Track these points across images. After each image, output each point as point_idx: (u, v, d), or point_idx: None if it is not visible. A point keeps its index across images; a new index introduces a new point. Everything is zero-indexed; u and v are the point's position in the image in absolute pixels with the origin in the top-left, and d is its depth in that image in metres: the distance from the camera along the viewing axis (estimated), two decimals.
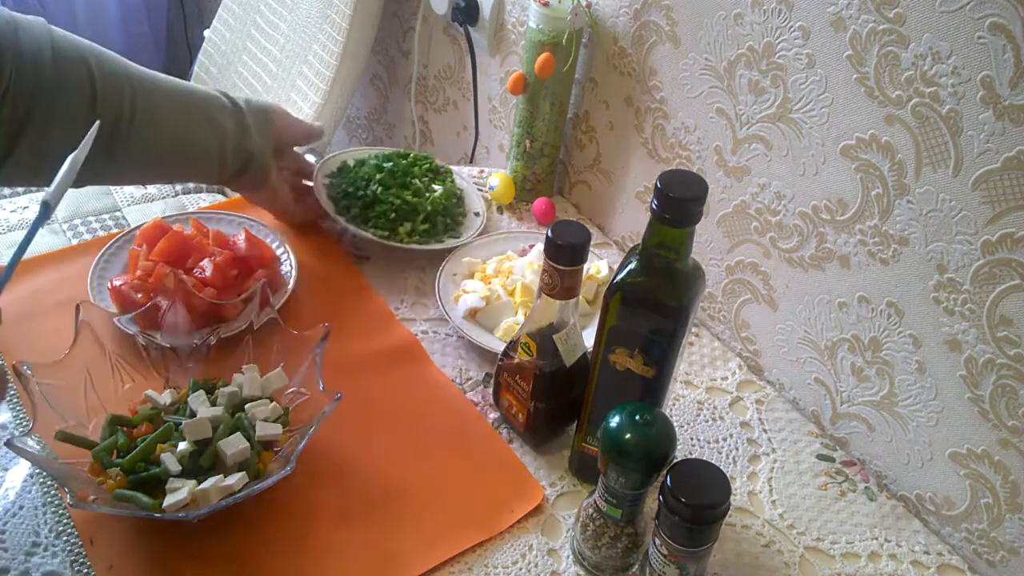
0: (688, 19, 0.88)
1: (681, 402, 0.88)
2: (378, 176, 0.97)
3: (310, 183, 0.99)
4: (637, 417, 0.62)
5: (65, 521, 0.70)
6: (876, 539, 0.77)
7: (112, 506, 0.65)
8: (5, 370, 0.62)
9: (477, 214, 1.03)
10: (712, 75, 0.88)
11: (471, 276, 0.97)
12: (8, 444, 0.63)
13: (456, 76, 1.37)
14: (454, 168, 1.08)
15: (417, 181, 0.99)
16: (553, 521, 0.75)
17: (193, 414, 0.72)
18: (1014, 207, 0.66)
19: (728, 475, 0.69)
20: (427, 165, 1.03)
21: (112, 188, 1.47)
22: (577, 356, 0.75)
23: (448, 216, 1.00)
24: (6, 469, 0.73)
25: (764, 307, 0.91)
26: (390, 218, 0.95)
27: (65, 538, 0.68)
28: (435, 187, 1.01)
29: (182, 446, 0.69)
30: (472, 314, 0.91)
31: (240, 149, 0.86)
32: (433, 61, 1.41)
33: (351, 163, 1.00)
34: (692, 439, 0.85)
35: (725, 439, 0.85)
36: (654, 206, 0.60)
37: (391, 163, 0.99)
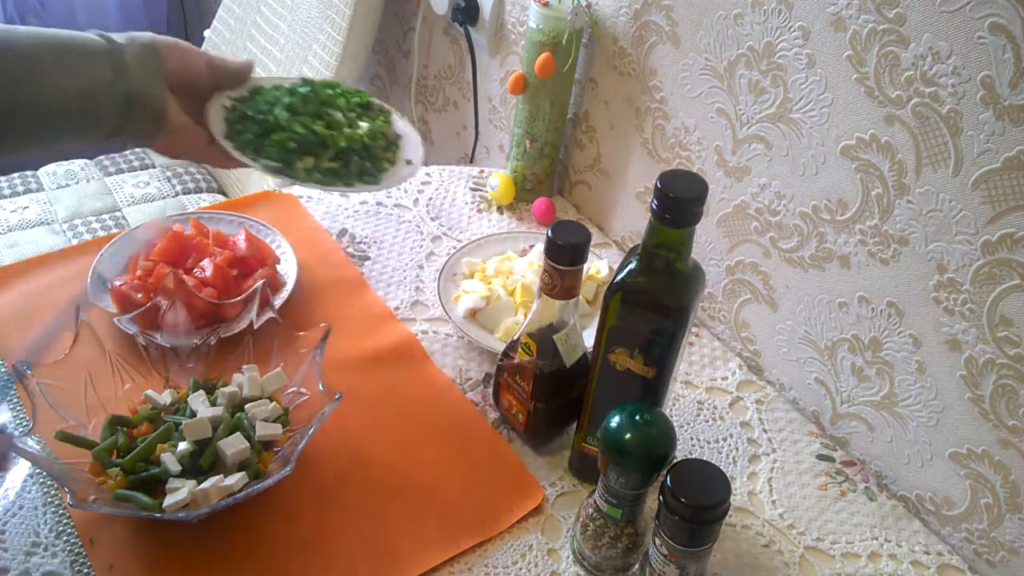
0: (688, 19, 0.88)
1: (681, 402, 0.88)
2: (286, 100, 0.78)
3: None
4: (637, 417, 0.62)
5: (65, 521, 0.70)
6: (876, 539, 0.77)
7: (112, 506, 0.65)
8: (10, 442, 0.60)
9: (409, 162, 0.83)
10: (712, 75, 0.88)
11: (471, 276, 0.97)
12: None
13: (456, 76, 1.37)
14: (399, 115, 0.88)
15: (338, 114, 0.81)
16: (553, 521, 0.75)
17: (193, 414, 0.72)
18: (1014, 207, 0.66)
19: (728, 475, 0.69)
20: (357, 99, 0.84)
21: (112, 188, 1.47)
22: (577, 356, 0.75)
23: (369, 158, 0.80)
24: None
25: (764, 307, 0.91)
26: (288, 148, 0.76)
27: (65, 538, 0.68)
28: (362, 124, 0.82)
29: (182, 446, 0.69)
30: (472, 314, 0.91)
31: (113, 91, 0.72)
32: (433, 61, 1.41)
33: (268, 87, 0.82)
34: (692, 439, 0.85)
35: (725, 439, 0.85)
36: (654, 206, 0.60)
37: (308, 88, 0.81)
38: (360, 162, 0.80)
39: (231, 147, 0.75)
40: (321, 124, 0.78)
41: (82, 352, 0.74)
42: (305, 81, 0.82)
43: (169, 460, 0.68)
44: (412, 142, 0.86)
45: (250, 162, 0.76)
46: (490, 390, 0.86)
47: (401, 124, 0.87)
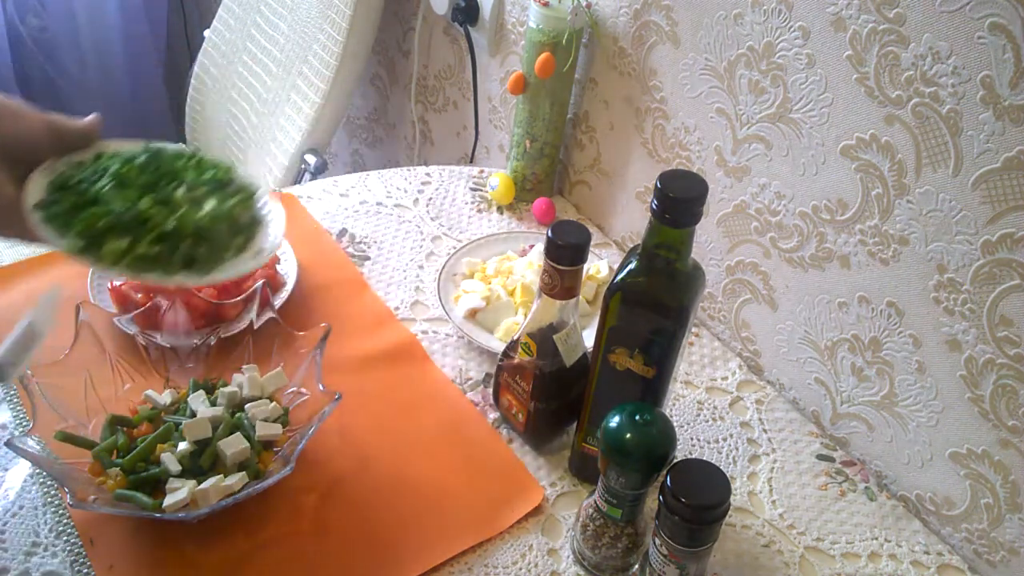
0: (688, 19, 0.88)
1: (681, 402, 0.88)
2: (115, 168, 0.65)
3: None
4: (637, 417, 0.62)
5: (65, 521, 0.70)
6: (876, 539, 0.77)
7: (112, 506, 0.65)
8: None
9: (259, 252, 0.68)
10: (712, 75, 0.88)
11: (471, 276, 0.97)
12: (8, 444, 0.63)
13: (456, 76, 1.37)
14: (266, 195, 0.71)
15: (181, 190, 0.66)
16: (553, 521, 0.75)
17: (193, 414, 0.72)
18: (1014, 207, 0.66)
19: (728, 475, 0.69)
20: (212, 174, 0.68)
21: None
22: (577, 356, 0.75)
23: (206, 244, 0.64)
24: (6, 469, 0.73)
25: (764, 307, 0.91)
26: (97, 227, 0.61)
27: (65, 538, 0.68)
28: (207, 204, 0.66)
29: (182, 446, 0.69)
30: (472, 314, 0.91)
31: None
32: (433, 61, 1.41)
33: (110, 152, 0.68)
34: (692, 439, 0.85)
35: (725, 439, 0.85)
36: (654, 206, 0.60)
37: (148, 155, 0.67)
38: (192, 248, 0.64)
39: (38, 219, 0.60)
40: (150, 199, 0.64)
41: (82, 352, 0.74)
42: (149, 148, 0.69)
43: (169, 460, 0.68)
44: (272, 228, 0.71)
45: (50, 239, 0.61)
46: (490, 390, 0.86)
47: (268, 207, 0.72)
